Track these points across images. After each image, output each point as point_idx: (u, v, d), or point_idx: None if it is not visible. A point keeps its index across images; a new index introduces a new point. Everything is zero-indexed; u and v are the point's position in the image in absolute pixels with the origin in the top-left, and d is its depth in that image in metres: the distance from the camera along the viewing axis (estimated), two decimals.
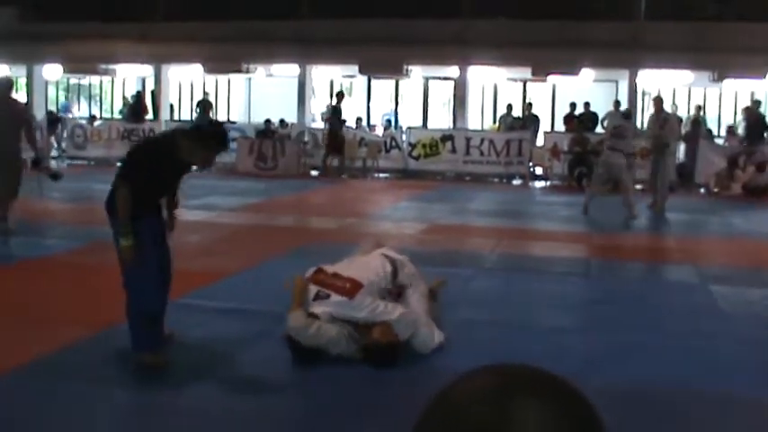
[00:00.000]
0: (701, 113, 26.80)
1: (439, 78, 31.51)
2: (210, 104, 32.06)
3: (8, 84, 13.99)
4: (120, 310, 7.53)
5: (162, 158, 6.80)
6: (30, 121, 14.29)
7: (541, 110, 28.79)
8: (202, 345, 7.27)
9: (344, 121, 25.55)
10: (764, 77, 26.74)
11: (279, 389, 6.52)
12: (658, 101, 18.19)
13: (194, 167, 7.13)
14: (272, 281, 8.48)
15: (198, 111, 31.52)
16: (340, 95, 25.32)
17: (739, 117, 26.75)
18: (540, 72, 28.17)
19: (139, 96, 31.04)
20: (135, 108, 29.65)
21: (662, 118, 17.67)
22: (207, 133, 6.95)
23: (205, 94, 32.50)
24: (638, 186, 22.65)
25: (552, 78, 29.28)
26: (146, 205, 6.71)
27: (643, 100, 29.74)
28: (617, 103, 25.56)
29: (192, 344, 7.31)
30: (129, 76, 34.05)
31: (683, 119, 25.19)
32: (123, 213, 6.53)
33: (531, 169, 24.85)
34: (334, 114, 24.86)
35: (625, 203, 16.48)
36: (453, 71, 29.58)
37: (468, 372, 1.06)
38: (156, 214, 6.98)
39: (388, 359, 6.70)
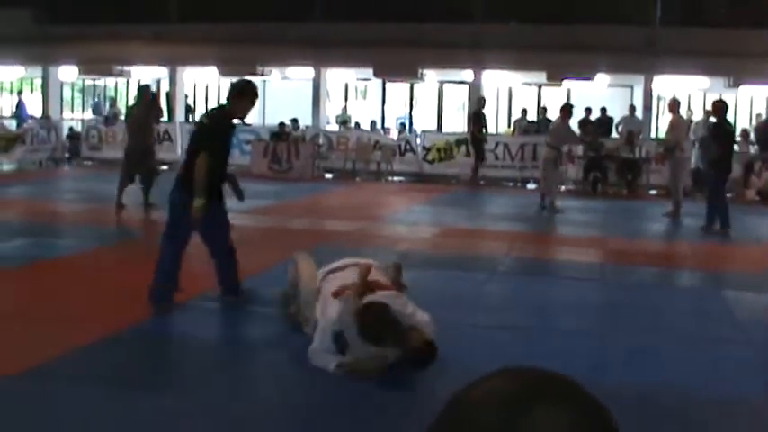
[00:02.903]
0: (692, 116, 26.76)
1: (454, 82, 31.52)
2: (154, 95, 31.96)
3: (147, 91, 17.74)
4: (133, 311, 7.57)
5: (225, 125, 8.50)
6: (152, 123, 17.54)
7: (556, 115, 28.69)
8: (215, 346, 7.28)
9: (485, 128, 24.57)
10: None
11: (292, 390, 6.52)
12: (671, 104, 18.19)
13: None
14: (286, 283, 8.48)
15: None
16: (482, 101, 24.90)
17: (754, 123, 26.69)
18: (555, 76, 28.16)
19: (154, 98, 31.13)
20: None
21: (671, 121, 17.71)
22: (245, 87, 8.47)
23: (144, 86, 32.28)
24: (653, 192, 22.67)
25: (567, 83, 29.24)
26: (217, 181, 8.27)
27: (658, 105, 29.70)
28: (632, 108, 25.52)
29: (205, 345, 7.32)
30: (143, 78, 34.13)
31: (694, 123, 25.09)
32: (201, 177, 7.99)
33: None
34: (477, 121, 24.26)
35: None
36: (468, 75, 29.59)
37: (485, 375, 1.06)
38: (215, 198, 8.31)
39: (432, 358, 6.65)
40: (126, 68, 32.40)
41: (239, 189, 8.83)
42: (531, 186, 24.17)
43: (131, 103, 20.46)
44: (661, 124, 29.14)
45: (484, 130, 24.14)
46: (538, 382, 1.04)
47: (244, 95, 8.39)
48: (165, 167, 21.30)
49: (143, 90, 17.64)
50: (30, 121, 29.22)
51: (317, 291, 7.20)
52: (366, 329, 6.48)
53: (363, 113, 31.65)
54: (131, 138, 16.61)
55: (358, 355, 6.60)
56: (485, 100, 25.17)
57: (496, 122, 31.31)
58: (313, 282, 7.34)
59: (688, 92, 28.90)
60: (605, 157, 22.92)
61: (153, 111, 17.43)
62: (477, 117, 24.11)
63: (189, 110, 33.01)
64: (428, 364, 6.60)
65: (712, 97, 29.28)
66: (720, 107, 15.52)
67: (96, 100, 33.74)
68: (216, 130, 8.43)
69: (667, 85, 28.09)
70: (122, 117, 31.33)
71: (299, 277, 7.51)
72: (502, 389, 1.02)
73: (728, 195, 16.05)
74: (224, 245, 8.53)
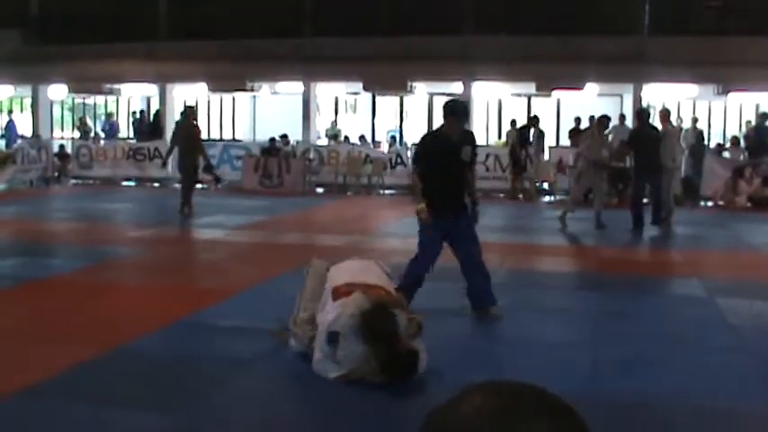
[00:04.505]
0: (682, 124, 26.81)
1: (443, 94, 31.50)
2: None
3: (192, 111, 19.76)
4: (126, 329, 7.55)
5: (433, 144, 9.07)
6: (200, 138, 19.41)
7: (546, 125, 28.76)
8: (210, 363, 7.26)
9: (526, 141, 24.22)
10: None
11: (287, 407, 6.52)
12: (662, 114, 18.06)
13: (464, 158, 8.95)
14: (280, 299, 8.48)
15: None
16: (534, 120, 24.63)
17: (744, 131, 26.78)
18: (545, 87, 28.19)
19: (143, 115, 31.40)
20: (152, 125, 29.95)
21: (660, 134, 17.28)
22: (452, 107, 8.95)
23: (189, 106, 32.46)
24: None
25: (557, 93, 29.28)
26: (438, 197, 8.78)
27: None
28: (622, 117, 25.55)
29: (199, 363, 7.30)
30: (134, 96, 34.14)
31: (684, 131, 25.16)
32: (414, 184, 9.14)
33: (537, 184, 24.78)
34: (522, 134, 24.00)
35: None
36: (457, 87, 29.60)
37: (462, 392, 1.06)
38: (442, 217, 8.84)
39: (412, 367, 6.68)
40: (116, 86, 32.39)
41: None
42: (522, 197, 24.15)
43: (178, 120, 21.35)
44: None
45: (522, 148, 23.93)
46: (515, 398, 1.04)
47: (451, 114, 8.87)
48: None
49: (189, 110, 19.65)
50: (19, 140, 29.18)
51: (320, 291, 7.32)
52: (370, 327, 6.62)
53: (354, 127, 31.66)
54: (182, 154, 18.68)
55: (346, 354, 6.66)
56: (537, 119, 24.65)
57: (487, 134, 31.34)
58: (318, 287, 7.40)
59: (677, 100, 28.96)
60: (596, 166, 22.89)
61: (195, 129, 19.24)
62: (519, 133, 24.08)
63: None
64: (409, 373, 6.62)
65: (701, 105, 29.61)
66: (639, 114, 17.62)
67: (105, 118, 33.54)
68: (425, 146, 9.29)
69: (657, 93, 28.14)
70: (92, 135, 31.48)
71: (303, 287, 7.56)
72: (482, 405, 1.02)
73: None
74: (475, 259, 9.05)
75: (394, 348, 6.58)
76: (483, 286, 9.02)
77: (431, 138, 9.57)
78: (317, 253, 10.51)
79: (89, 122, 33.21)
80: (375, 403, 6.37)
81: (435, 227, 8.85)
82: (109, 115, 33.48)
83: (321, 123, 32.43)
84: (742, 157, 23.92)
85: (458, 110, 8.98)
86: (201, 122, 33.06)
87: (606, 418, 5.55)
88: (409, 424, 5.82)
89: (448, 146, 8.87)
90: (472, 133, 10.01)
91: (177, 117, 32.78)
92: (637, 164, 16.78)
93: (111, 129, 31.57)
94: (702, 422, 6.14)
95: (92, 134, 32.06)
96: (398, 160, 26.04)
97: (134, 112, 33.20)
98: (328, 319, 6.79)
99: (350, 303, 6.78)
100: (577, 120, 26.31)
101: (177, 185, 21.39)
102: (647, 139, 16.38)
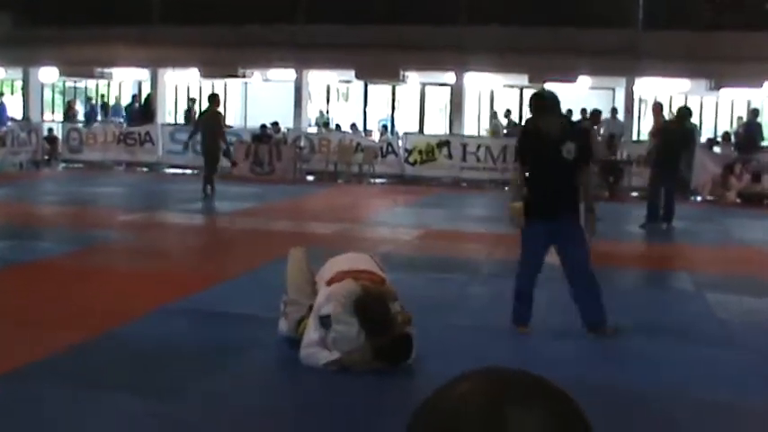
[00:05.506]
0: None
1: (435, 84, 31.52)
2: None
3: (217, 99, 20.61)
4: (114, 314, 7.51)
5: (525, 140, 8.51)
6: (222, 125, 20.77)
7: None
8: (201, 350, 7.23)
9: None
10: (762, 86, 26.76)
11: (275, 393, 6.50)
12: (655, 108, 18.11)
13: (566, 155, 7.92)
14: (268, 286, 8.45)
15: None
16: (596, 114, 21.89)
17: (735, 126, 26.85)
18: (537, 79, 28.13)
19: (134, 99, 31.30)
20: (143, 110, 29.86)
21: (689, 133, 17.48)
22: (538, 99, 8.13)
23: (214, 94, 32.38)
24: (635, 194, 22.69)
25: (549, 85, 29.24)
26: (538, 197, 7.98)
27: (640, 107, 29.75)
28: (614, 111, 25.56)
29: (190, 349, 7.26)
30: (125, 80, 34.01)
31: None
32: (512, 183, 8.61)
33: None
34: None
35: None
36: (450, 77, 29.59)
37: (457, 377, 1.04)
38: (544, 220, 7.96)
39: (407, 351, 6.73)
40: (107, 70, 32.27)
41: None
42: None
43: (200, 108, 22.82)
44: (643, 127, 29.20)
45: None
46: (508, 382, 1.02)
47: (533, 110, 8.25)
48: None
49: (214, 98, 20.57)
50: (9, 123, 29.06)
51: (307, 284, 7.28)
52: (363, 312, 6.62)
53: (345, 115, 31.61)
54: (208, 138, 19.67)
55: (340, 337, 6.67)
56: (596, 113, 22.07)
57: (478, 124, 31.33)
58: (299, 277, 7.39)
59: (669, 94, 28.98)
60: None
61: (219, 117, 20.42)
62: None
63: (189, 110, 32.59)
64: (404, 357, 6.65)
65: (693, 100, 29.63)
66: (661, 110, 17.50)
67: (91, 104, 33.21)
68: (520, 141, 8.77)
69: (649, 87, 28.16)
70: (81, 118, 31.32)
71: (285, 275, 7.55)
72: (476, 390, 1.00)
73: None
74: (581, 267, 8.18)
75: (388, 332, 6.59)
76: (590, 302, 8.04)
77: (524, 131, 9.29)
78: (308, 241, 10.52)
79: (77, 107, 32.99)
80: (364, 392, 6.36)
81: (536, 232, 8.05)
82: (89, 99, 33.27)
83: (312, 111, 32.38)
84: (733, 151, 23.96)
85: (541, 103, 8.09)
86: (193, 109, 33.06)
87: (594, 411, 5.54)
88: (399, 412, 5.80)
89: (542, 141, 8.01)
90: (580, 128, 9.16)
91: (168, 102, 33.07)
92: (658, 161, 16.32)
93: (93, 112, 31.32)
94: (694, 416, 6.14)
95: (79, 117, 31.85)
96: (389, 149, 26.01)
97: (103, 96, 33.13)
98: (319, 303, 6.79)
99: (339, 288, 6.79)
100: (569, 112, 26.30)
101: (169, 170, 21.35)
102: (672, 136, 16.07)
